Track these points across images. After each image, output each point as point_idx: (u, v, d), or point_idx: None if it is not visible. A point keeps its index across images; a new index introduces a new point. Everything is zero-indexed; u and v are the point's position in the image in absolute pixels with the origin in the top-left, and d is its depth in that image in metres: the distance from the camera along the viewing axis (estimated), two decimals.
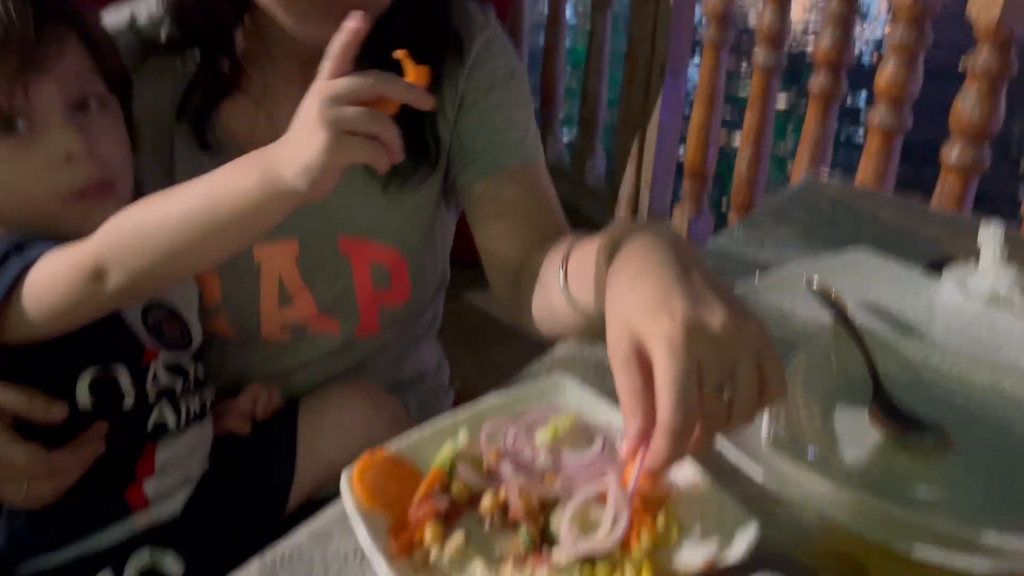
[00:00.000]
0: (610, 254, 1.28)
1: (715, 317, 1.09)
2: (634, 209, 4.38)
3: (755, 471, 1.32)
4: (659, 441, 1.09)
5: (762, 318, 1.16)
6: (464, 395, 1.85)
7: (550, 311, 1.55)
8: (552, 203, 1.65)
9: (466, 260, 1.98)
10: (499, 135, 1.60)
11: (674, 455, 1.10)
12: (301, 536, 1.29)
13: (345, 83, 1.13)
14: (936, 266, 1.76)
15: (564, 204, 1.69)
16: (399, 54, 1.27)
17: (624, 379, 1.13)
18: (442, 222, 1.86)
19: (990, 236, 1.73)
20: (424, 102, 1.23)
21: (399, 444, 1.31)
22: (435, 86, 1.64)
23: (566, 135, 5.09)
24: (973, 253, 1.75)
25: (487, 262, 1.68)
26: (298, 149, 1.13)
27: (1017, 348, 1.58)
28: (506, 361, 1.61)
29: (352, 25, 1.19)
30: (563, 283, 1.45)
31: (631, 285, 1.17)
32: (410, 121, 1.66)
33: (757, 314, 1.16)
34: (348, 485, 1.22)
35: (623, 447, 1.16)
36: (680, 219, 4.28)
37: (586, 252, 1.34)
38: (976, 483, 1.37)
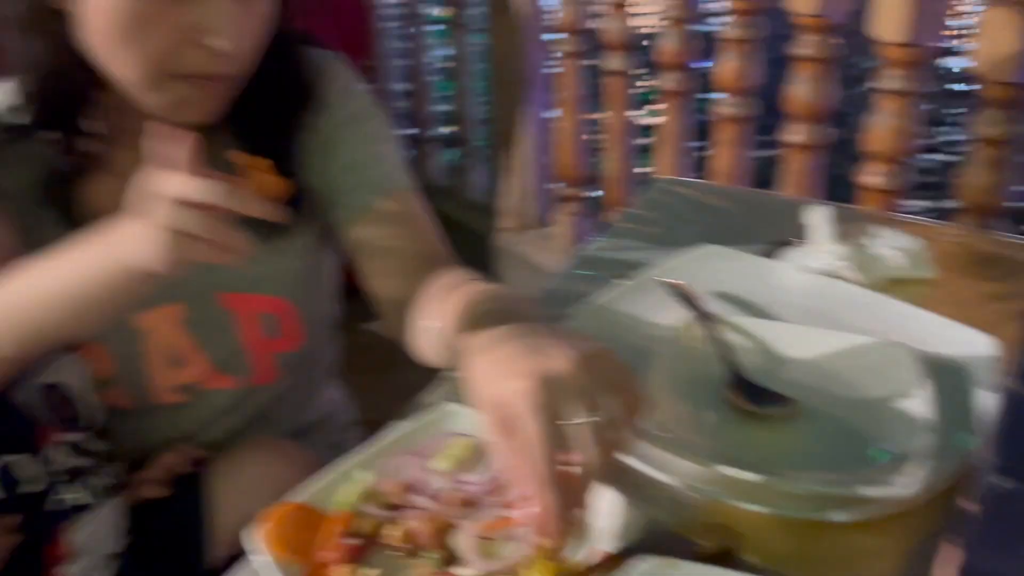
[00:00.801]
0: (460, 327, 1.38)
1: (562, 361, 1.20)
2: (519, 219, 4.54)
3: (629, 459, 1.46)
4: (543, 498, 1.18)
5: (606, 344, 1.29)
6: (378, 425, 1.93)
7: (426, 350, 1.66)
8: (429, 231, 1.72)
9: (354, 288, 2.06)
10: (365, 172, 1.68)
11: (560, 503, 1.19)
12: None
13: (186, 186, 1.17)
14: (775, 249, 1.96)
15: (449, 221, 1.77)
16: (258, 165, 1.36)
17: (504, 454, 1.23)
18: (326, 264, 1.93)
19: (818, 217, 1.93)
20: (272, 215, 1.32)
21: (303, 493, 1.39)
22: (293, 145, 1.74)
23: (447, 156, 5.22)
24: (808, 234, 1.95)
25: (374, 301, 1.76)
26: (135, 244, 1.19)
27: (852, 316, 1.78)
28: (420, 383, 1.68)
29: (188, 143, 1.23)
30: (427, 334, 1.52)
31: (485, 364, 1.27)
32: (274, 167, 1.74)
33: (599, 345, 1.28)
34: (260, 539, 1.29)
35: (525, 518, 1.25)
36: (564, 224, 4.45)
37: (444, 311, 1.42)
38: (826, 442, 1.55)
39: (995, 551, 1.23)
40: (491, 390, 1.23)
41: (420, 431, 1.52)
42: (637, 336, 1.72)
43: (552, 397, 1.18)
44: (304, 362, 1.92)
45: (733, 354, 1.66)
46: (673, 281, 1.74)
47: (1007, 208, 2.56)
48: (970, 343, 1.65)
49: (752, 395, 1.60)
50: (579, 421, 1.19)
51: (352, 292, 2.16)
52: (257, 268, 1.79)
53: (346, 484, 1.42)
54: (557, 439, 1.18)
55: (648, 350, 1.65)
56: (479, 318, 1.38)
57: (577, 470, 1.21)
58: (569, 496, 1.20)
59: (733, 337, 1.70)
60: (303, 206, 1.75)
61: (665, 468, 1.46)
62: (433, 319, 1.50)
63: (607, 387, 1.22)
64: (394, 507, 1.40)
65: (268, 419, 1.91)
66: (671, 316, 1.74)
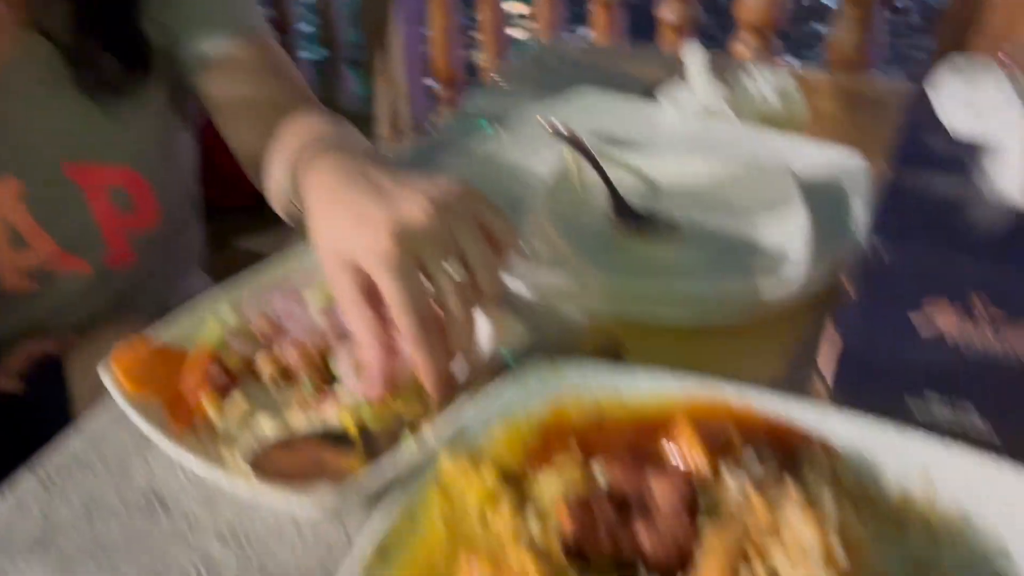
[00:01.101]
0: (297, 179, 1.27)
1: (415, 209, 1.09)
2: (394, 124, 4.39)
3: (516, 284, 1.42)
4: (418, 358, 1.14)
5: (470, 181, 1.20)
6: None
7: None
8: (287, 76, 1.60)
9: (230, 205, 1.92)
10: (210, 16, 1.55)
11: (437, 361, 1.15)
12: (73, 444, 1.23)
13: None
14: (653, 92, 1.93)
15: None
16: None
17: (353, 316, 1.13)
18: (178, 139, 1.78)
19: (694, 57, 1.91)
20: None
21: (161, 331, 1.27)
22: None
23: (312, 54, 4.90)
24: (685, 76, 1.93)
25: (241, 161, 1.63)
26: None
27: (729, 149, 1.77)
28: None
29: None
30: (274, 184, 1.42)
31: (326, 211, 1.17)
32: (111, 23, 1.58)
33: (455, 182, 1.18)
34: (111, 377, 1.18)
35: (369, 376, 1.18)
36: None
37: (284, 157, 1.30)
38: (709, 259, 1.55)
39: (869, 335, 1.25)
40: (338, 244, 1.12)
41: (289, 268, 1.41)
42: (517, 183, 1.67)
43: (407, 251, 1.08)
44: (162, 244, 1.79)
45: (615, 186, 1.62)
46: (551, 121, 1.68)
47: (871, 62, 2.68)
48: (842, 160, 1.68)
49: (636, 222, 1.58)
50: (440, 275, 1.11)
51: (221, 209, 2.02)
52: (100, 135, 1.61)
53: (210, 322, 1.31)
54: (416, 298, 1.10)
55: (528, 194, 1.59)
56: (317, 158, 1.22)
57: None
58: (443, 350, 1.16)
59: (614, 172, 1.66)
60: (148, 65, 1.65)
61: (553, 288, 1.44)
62: (276, 167, 1.39)
63: (468, 230, 1.14)
64: (264, 342, 1.30)
65: (127, 307, 1.77)
66: (550, 159, 1.69)
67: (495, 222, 1.19)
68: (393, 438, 1.19)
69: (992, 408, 1.21)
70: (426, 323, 1.12)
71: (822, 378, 1.31)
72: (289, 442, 1.15)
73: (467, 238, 1.14)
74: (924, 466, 1.12)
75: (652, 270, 1.51)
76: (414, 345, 1.12)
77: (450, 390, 1.21)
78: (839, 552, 0.92)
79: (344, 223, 1.12)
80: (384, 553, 1.03)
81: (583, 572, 0.96)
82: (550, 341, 1.39)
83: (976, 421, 1.22)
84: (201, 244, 2.06)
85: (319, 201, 1.19)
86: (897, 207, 1.19)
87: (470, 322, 1.18)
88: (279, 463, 1.09)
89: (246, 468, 1.08)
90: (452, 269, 1.14)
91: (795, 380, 1.37)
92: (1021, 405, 1.18)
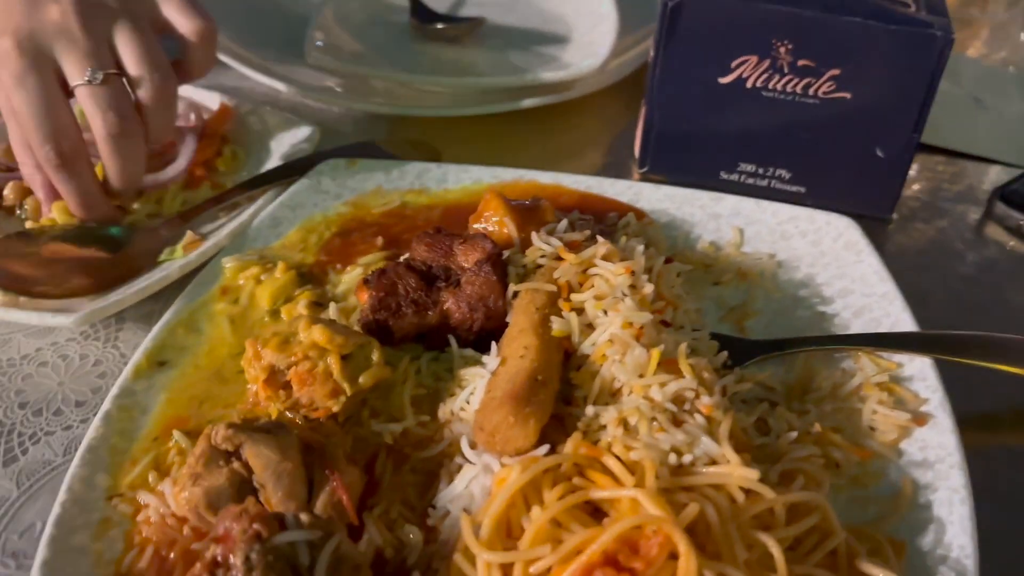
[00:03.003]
0: None
1: (53, 11, 0.95)
2: None
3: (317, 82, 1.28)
4: (52, 178, 1.01)
5: None
6: None
7: None
8: None
9: None
10: None
11: (123, 162, 1.02)
12: None
13: None
14: None
15: None
16: None
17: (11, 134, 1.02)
18: None
19: None
20: None
21: None
22: None
23: None
24: None
25: None
26: None
27: None
28: None
29: None
30: None
31: None
32: None
33: None
34: None
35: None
36: None
37: None
38: (514, 48, 1.46)
39: (680, 109, 1.21)
40: None
41: None
42: None
43: (31, 56, 0.94)
44: None
45: None
46: None
47: None
48: None
49: (437, 19, 1.47)
50: (79, 83, 0.97)
51: None
52: None
53: None
54: (36, 108, 0.95)
55: None
56: None
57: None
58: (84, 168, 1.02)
59: None
60: None
61: (353, 88, 1.30)
62: None
63: (126, 31, 0.99)
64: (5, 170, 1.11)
65: None
66: None
67: (180, 21, 1.05)
68: (153, 247, 1.04)
69: (799, 162, 1.20)
70: (56, 132, 0.98)
71: (638, 161, 1.27)
72: (30, 236, 0.99)
73: (123, 40, 0.99)
74: (735, 223, 1.10)
75: (459, 68, 1.40)
76: (48, 165, 0.99)
77: (100, 208, 1.06)
78: (648, 289, 0.87)
79: None
80: (161, 360, 0.91)
81: (383, 343, 0.87)
82: (351, 141, 1.26)
83: (784, 174, 1.21)
84: None
85: None
86: None
87: (110, 134, 1.01)
88: (18, 263, 0.93)
89: None
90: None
91: (611, 168, 1.32)
92: (825, 155, 1.18)
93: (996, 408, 0.96)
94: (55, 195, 1.03)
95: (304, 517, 0.67)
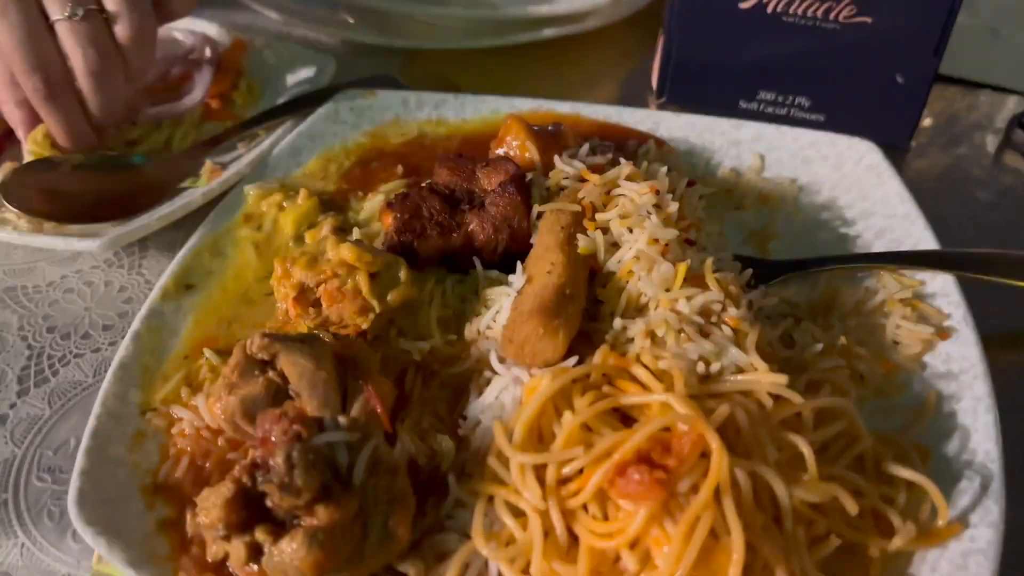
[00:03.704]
0: None
1: None
2: None
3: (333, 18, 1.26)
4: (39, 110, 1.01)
5: None
6: None
7: None
8: None
9: None
10: None
11: (103, 98, 1.02)
12: None
13: None
14: None
15: None
16: None
17: None
18: None
19: None
20: None
21: None
22: None
23: None
24: None
25: None
26: None
27: None
28: None
29: None
30: None
31: None
32: None
33: None
34: None
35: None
36: None
37: None
38: None
39: (700, 38, 1.20)
40: None
41: None
42: None
43: None
44: None
45: None
46: None
47: None
48: None
49: None
50: (59, 18, 0.97)
51: None
52: None
53: None
54: (21, 40, 0.96)
55: None
56: None
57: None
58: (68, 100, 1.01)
59: None
60: None
61: (371, 22, 1.29)
62: None
63: None
64: None
65: None
66: None
67: None
68: (174, 176, 1.04)
69: (819, 89, 1.19)
70: (43, 65, 0.98)
71: (656, 91, 1.26)
72: (52, 163, 1.00)
73: None
74: (756, 149, 1.10)
75: (469, 1, 1.39)
76: (35, 99, 0.99)
77: (86, 138, 1.06)
78: (672, 207, 0.88)
79: None
80: (188, 284, 0.91)
81: (412, 265, 0.87)
82: (370, 73, 1.25)
83: (803, 102, 1.21)
84: None
85: None
86: None
87: (106, 71, 1.01)
88: (41, 189, 0.93)
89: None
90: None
91: (628, 100, 1.31)
92: (845, 82, 1.17)
93: (1019, 326, 0.97)
94: (31, 129, 1.03)
95: (342, 419, 0.68)
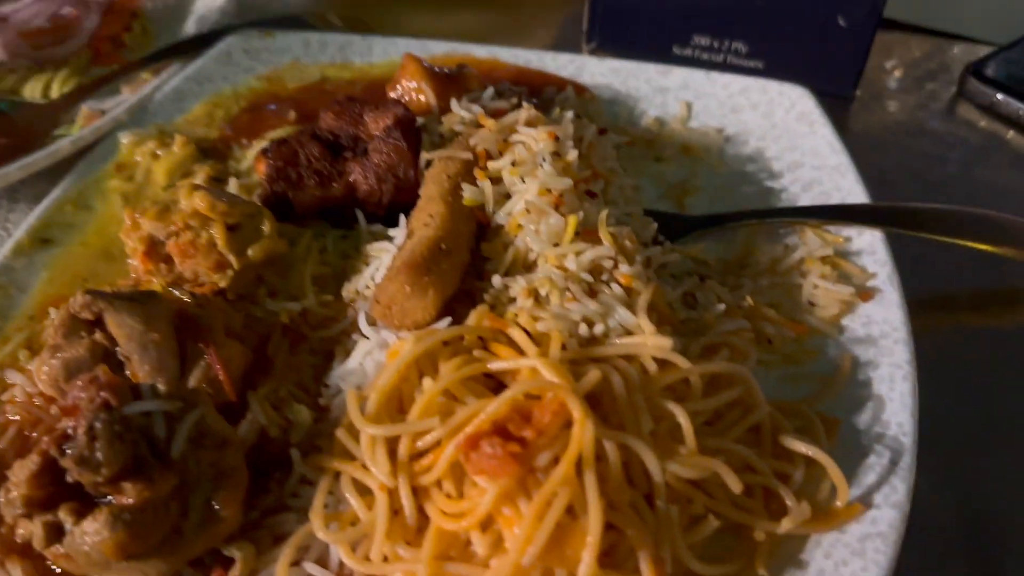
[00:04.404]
0: None
1: None
2: None
3: None
4: None
5: None
6: None
7: None
8: None
9: None
10: None
11: None
12: None
13: None
14: None
15: None
16: None
17: None
18: None
19: None
20: None
21: None
22: None
23: None
24: None
25: None
26: None
27: None
28: None
29: None
30: None
31: None
32: None
33: None
34: None
35: None
36: None
37: None
38: None
39: None
40: None
41: None
42: None
43: None
44: None
45: None
46: None
47: None
48: None
49: None
50: None
51: None
52: None
53: None
54: None
55: None
56: None
57: None
58: None
59: None
60: None
61: None
62: None
63: None
64: None
65: None
66: None
67: None
68: (49, 123, 0.96)
69: (757, 33, 1.10)
70: None
71: (586, 35, 1.17)
72: None
73: None
74: (683, 97, 1.02)
75: None
76: None
77: None
78: (572, 155, 0.79)
79: None
80: (45, 238, 0.84)
81: (284, 219, 0.79)
82: (272, 12, 1.16)
83: (740, 47, 1.12)
84: None
85: None
86: None
87: None
88: None
89: None
90: None
91: (563, 47, 1.22)
92: (785, 25, 1.08)
93: (951, 287, 0.90)
94: None
95: (162, 387, 0.60)
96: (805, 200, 0.90)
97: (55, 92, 1.03)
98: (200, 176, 0.89)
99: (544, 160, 0.79)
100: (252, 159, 0.92)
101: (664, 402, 0.63)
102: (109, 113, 0.97)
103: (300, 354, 0.76)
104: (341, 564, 0.61)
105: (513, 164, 0.80)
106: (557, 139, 0.82)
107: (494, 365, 0.65)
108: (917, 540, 0.64)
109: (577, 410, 0.58)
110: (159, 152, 0.92)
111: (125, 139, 0.93)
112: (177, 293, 0.74)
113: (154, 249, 0.76)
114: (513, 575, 0.55)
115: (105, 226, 0.86)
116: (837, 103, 1.09)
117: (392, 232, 0.80)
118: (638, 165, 0.97)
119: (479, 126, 0.86)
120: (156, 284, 0.75)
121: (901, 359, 0.73)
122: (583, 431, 0.58)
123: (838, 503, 0.64)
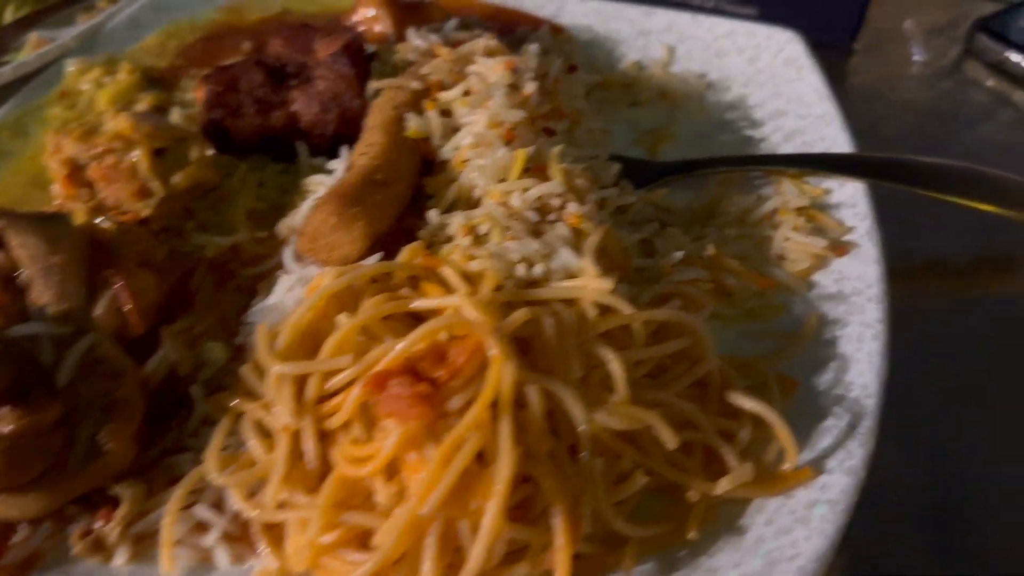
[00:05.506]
0: None
1: None
2: None
3: None
4: None
5: None
6: None
7: None
8: None
9: None
10: None
11: None
12: None
13: None
14: None
15: None
16: None
17: None
18: None
19: None
20: None
21: None
22: None
23: None
24: None
25: None
26: None
27: None
28: None
29: None
30: None
31: None
32: None
33: None
34: None
35: None
36: None
37: None
38: None
39: None
40: None
41: None
42: None
43: None
44: None
45: None
46: None
47: None
48: None
49: None
50: None
51: None
52: None
53: None
54: None
55: None
56: None
57: None
58: None
59: None
60: None
61: None
62: None
63: None
64: None
65: None
66: None
67: None
68: None
69: None
70: None
71: None
72: None
73: None
74: (666, 40, 0.96)
75: None
76: None
77: None
78: (530, 88, 0.74)
79: None
80: None
81: (225, 150, 0.75)
82: None
83: None
84: None
85: None
86: None
87: None
88: None
89: None
90: None
91: None
92: None
93: (940, 250, 0.83)
94: None
95: (52, 311, 0.56)
96: (786, 150, 0.84)
97: (8, 18, 0.98)
98: (143, 105, 0.85)
99: (498, 87, 0.74)
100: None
101: (598, 348, 0.58)
102: (58, 40, 0.92)
103: (227, 292, 0.71)
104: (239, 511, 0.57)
105: (465, 95, 0.75)
106: (516, 71, 0.76)
107: (418, 303, 0.60)
108: (879, 509, 0.59)
109: (495, 349, 0.53)
110: (104, 80, 0.88)
111: (72, 67, 0.89)
112: (97, 222, 0.70)
113: (76, 173, 0.71)
114: (411, 524, 0.51)
115: (39, 154, 0.82)
116: (835, 54, 1.03)
117: (332, 164, 0.75)
118: (613, 109, 0.91)
119: (435, 57, 0.81)
120: (80, 211, 0.71)
121: (872, 318, 0.67)
122: (500, 372, 0.53)
123: (786, 466, 0.59)
